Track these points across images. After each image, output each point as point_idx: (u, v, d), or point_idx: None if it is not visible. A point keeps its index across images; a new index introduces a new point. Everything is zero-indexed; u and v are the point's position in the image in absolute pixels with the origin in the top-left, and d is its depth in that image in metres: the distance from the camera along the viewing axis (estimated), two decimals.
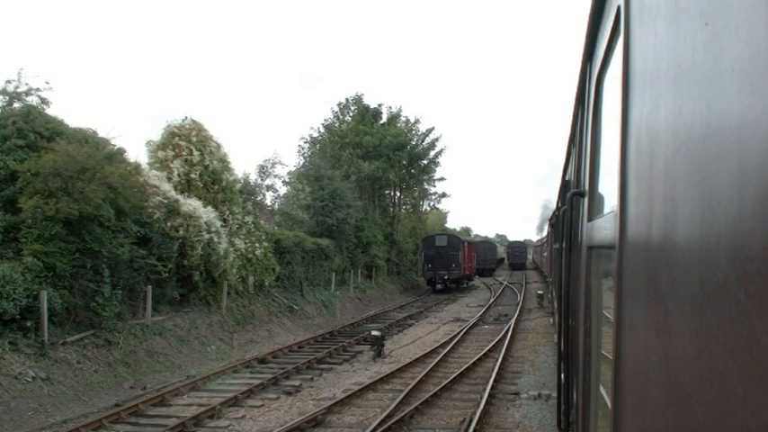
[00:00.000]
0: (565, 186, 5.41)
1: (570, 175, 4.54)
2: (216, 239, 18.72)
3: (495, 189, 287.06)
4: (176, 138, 22.20)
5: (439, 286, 41.08)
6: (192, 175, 21.50)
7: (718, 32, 0.69)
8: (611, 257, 1.63)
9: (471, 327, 23.26)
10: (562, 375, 3.79)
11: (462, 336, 20.80)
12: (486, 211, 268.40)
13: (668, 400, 0.91)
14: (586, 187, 2.61)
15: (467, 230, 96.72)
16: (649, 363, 1.07)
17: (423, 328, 23.89)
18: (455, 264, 39.93)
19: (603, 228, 1.91)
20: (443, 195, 50.97)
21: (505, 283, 49.33)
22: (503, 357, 16.18)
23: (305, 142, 38.40)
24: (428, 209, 52.59)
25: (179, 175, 21.63)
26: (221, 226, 21.52)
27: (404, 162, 41.72)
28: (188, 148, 22.02)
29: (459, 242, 41.47)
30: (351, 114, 39.21)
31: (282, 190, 30.68)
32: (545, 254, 39.88)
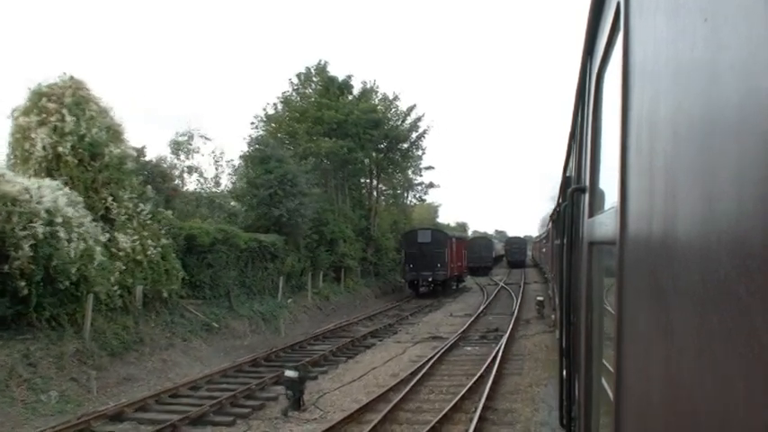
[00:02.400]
0: (566, 182, 4.89)
1: (571, 171, 4.47)
2: (64, 234, 12.81)
3: (496, 184, 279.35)
4: (44, 99, 16.37)
5: (423, 289, 35.20)
6: (60, 148, 15.62)
7: (718, 28, 0.69)
8: (612, 253, 1.62)
9: (449, 349, 17.38)
10: (564, 371, 3.59)
11: (433, 365, 14.94)
12: (486, 206, 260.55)
13: (670, 396, 0.92)
14: (587, 183, 2.59)
15: (463, 226, 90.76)
16: (651, 359, 1.07)
17: (385, 350, 18.00)
18: (441, 263, 34.00)
19: (604, 224, 1.93)
20: (431, 186, 44.95)
21: (501, 283, 43.31)
22: (480, 415, 10.30)
23: (259, 120, 32.28)
24: (414, 201, 46.57)
25: (44, 147, 15.80)
26: (101, 215, 15.74)
27: (382, 146, 35.66)
28: (58, 112, 16.18)
29: (446, 238, 35.54)
30: (314, 87, 33.01)
31: (210, 171, 24.72)
32: (544, 250, 35.02)
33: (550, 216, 20.35)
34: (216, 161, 25.19)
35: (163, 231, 16.70)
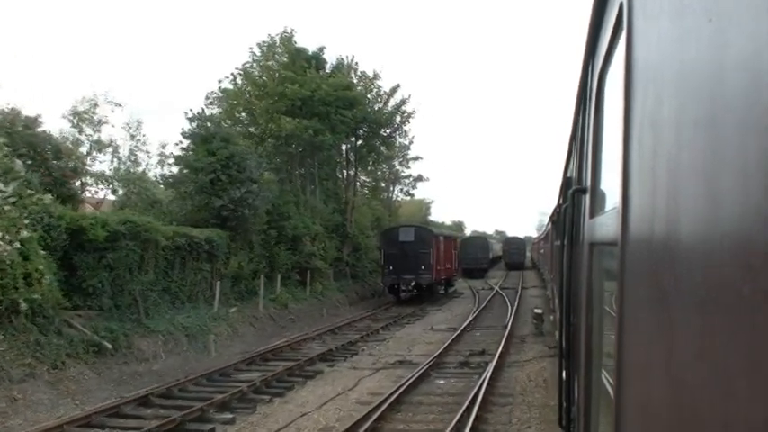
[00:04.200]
0: (566, 183, 5.01)
1: (572, 172, 4.47)
2: None
3: (497, 185, 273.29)
4: None
5: (404, 294, 30.89)
6: None
7: (723, 28, 0.69)
8: (614, 254, 1.62)
9: (416, 381, 13.05)
10: (563, 372, 3.60)
11: (384, 412, 10.61)
12: (486, 207, 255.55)
13: (671, 397, 0.91)
14: (588, 184, 2.59)
15: (459, 225, 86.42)
16: (652, 360, 1.06)
17: (332, 382, 13.65)
18: (425, 265, 29.64)
19: (605, 225, 1.92)
20: (419, 179, 40.67)
21: (497, 288, 38.98)
22: None
23: (215, 97, 27.75)
24: (400, 196, 42.23)
25: None
26: None
27: (362, 131, 31.21)
28: None
29: (432, 237, 31.13)
30: (277, 59, 28.49)
31: (125, 147, 20.35)
32: (542, 251, 31.17)
33: (550, 217, 19.35)
34: (132, 135, 20.83)
35: (27, 221, 12.36)
